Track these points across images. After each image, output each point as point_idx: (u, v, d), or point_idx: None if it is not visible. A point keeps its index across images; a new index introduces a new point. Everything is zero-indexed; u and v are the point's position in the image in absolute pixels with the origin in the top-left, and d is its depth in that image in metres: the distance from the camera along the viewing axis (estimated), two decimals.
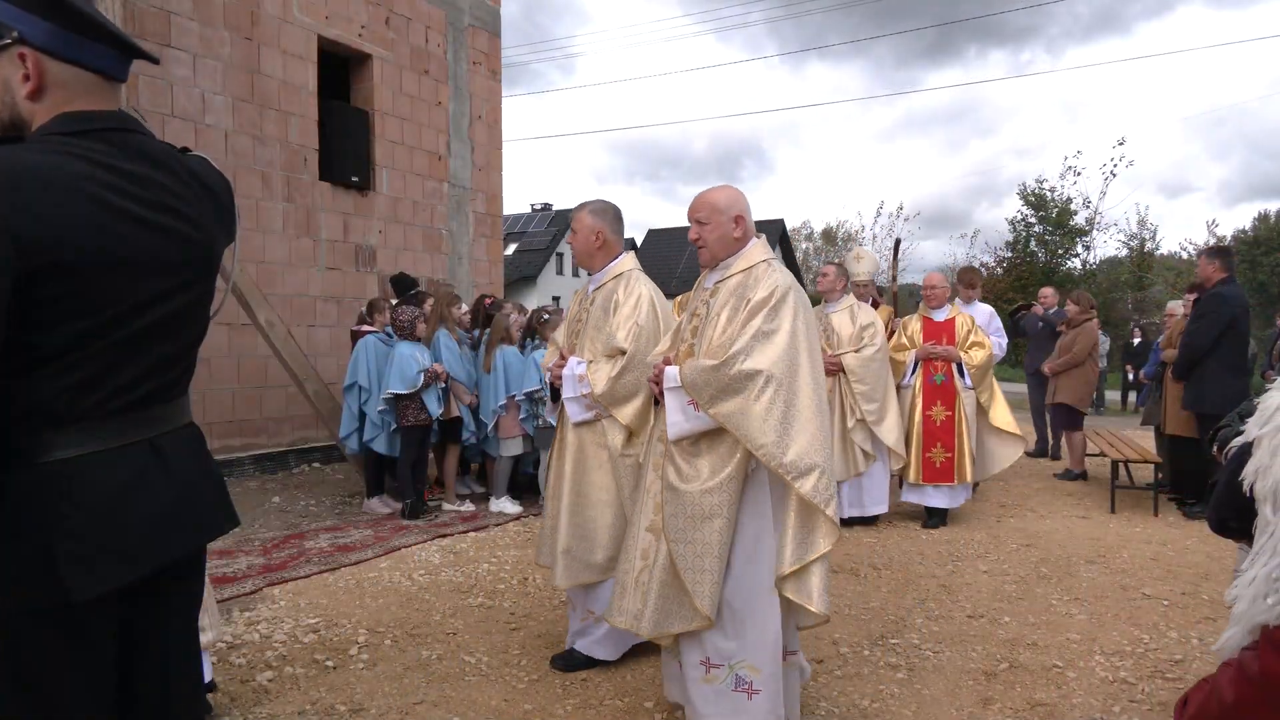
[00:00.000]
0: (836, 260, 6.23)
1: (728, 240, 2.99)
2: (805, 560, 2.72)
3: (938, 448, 6.26)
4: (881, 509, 6.30)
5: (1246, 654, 1.87)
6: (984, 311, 7.71)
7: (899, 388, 6.41)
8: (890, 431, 6.14)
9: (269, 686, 3.41)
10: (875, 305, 7.34)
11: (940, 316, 6.54)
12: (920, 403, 6.33)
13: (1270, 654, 1.79)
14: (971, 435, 6.27)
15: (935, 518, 6.29)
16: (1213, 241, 28.76)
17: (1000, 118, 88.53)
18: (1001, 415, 6.56)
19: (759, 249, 3.00)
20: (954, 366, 6.30)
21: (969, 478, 6.28)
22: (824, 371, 3.05)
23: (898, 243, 8.29)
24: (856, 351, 6.05)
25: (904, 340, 6.56)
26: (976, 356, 6.30)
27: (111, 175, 1.46)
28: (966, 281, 8.11)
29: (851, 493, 6.21)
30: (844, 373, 6.04)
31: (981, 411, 6.52)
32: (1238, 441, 2.05)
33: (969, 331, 6.40)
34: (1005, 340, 7.81)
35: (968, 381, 6.31)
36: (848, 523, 5.92)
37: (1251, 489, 1.89)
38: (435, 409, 6.43)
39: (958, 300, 7.61)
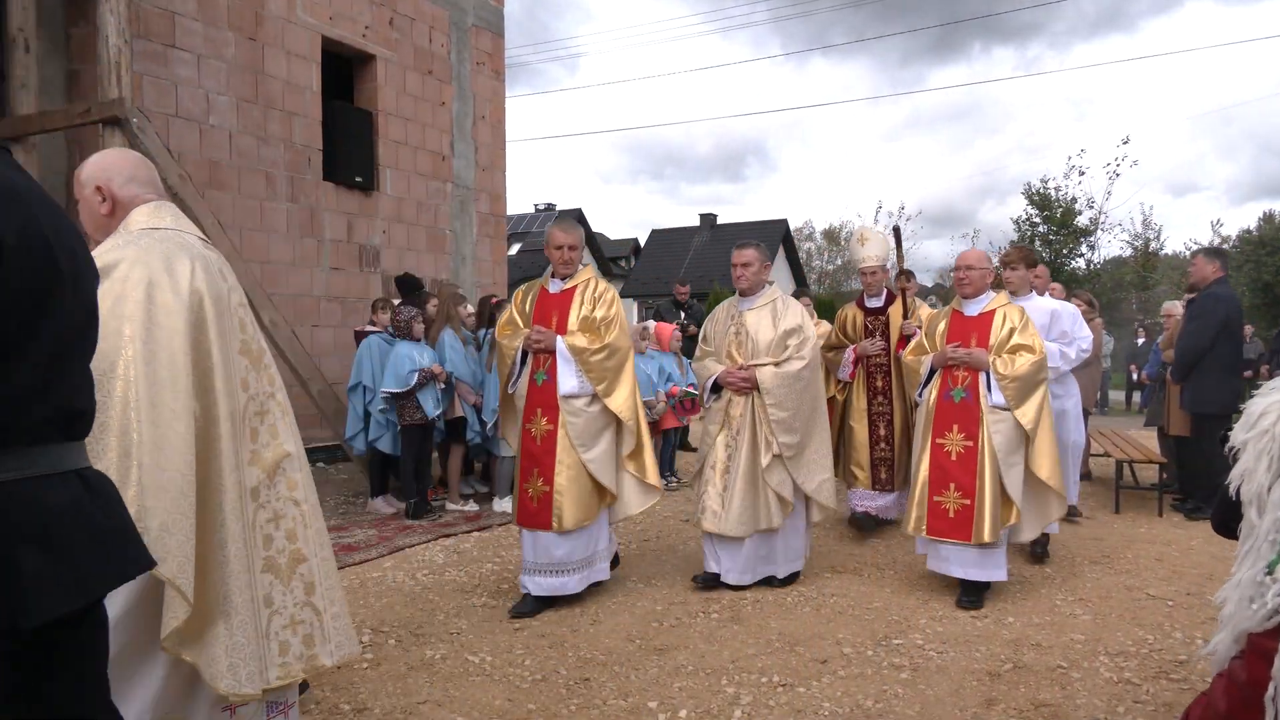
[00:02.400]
0: (755, 242, 4.83)
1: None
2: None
3: (950, 490, 4.50)
4: (795, 567, 4.85)
5: (1235, 663, 1.89)
6: (1059, 310, 5.58)
7: (913, 405, 5.03)
8: (812, 474, 4.67)
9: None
10: (891, 300, 6.07)
11: (974, 309, 4.77)
12: (931, 427, 4.65)
13: (1256, 661, 1.80)
14: (1008, 476, 4.44)
15: (968, 594, 4.44)
16: (1217, 241, 28.71)
17: (1006, 116, 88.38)
18: (1042, 459, 4.53)
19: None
20: (981, 378, 4.54)
21: (991, 536, 4.38)
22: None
23: (897, 230, 6.49)
24: (777, 365, 4.61)
25: (925, 342, 4.94)
26: (1017, 364, 4.49)
27: None
28: (1026, 259, 5.60)
29: (758, 548, 4.69)
30: (757, 391, 4.61)
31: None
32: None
33: (1011, 330, 4.60)
34: (1086, 346, 5.66)
35: (996, 398, 4.47)
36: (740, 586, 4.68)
37: (1238, 492, 1.93)
38: (431, 409, 6.44)
39: (1004, 290, 5.47)
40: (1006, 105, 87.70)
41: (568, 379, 4.33)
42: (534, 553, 4.39)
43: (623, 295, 45.44)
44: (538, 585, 4.37)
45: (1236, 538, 2.23)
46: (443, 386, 6.58)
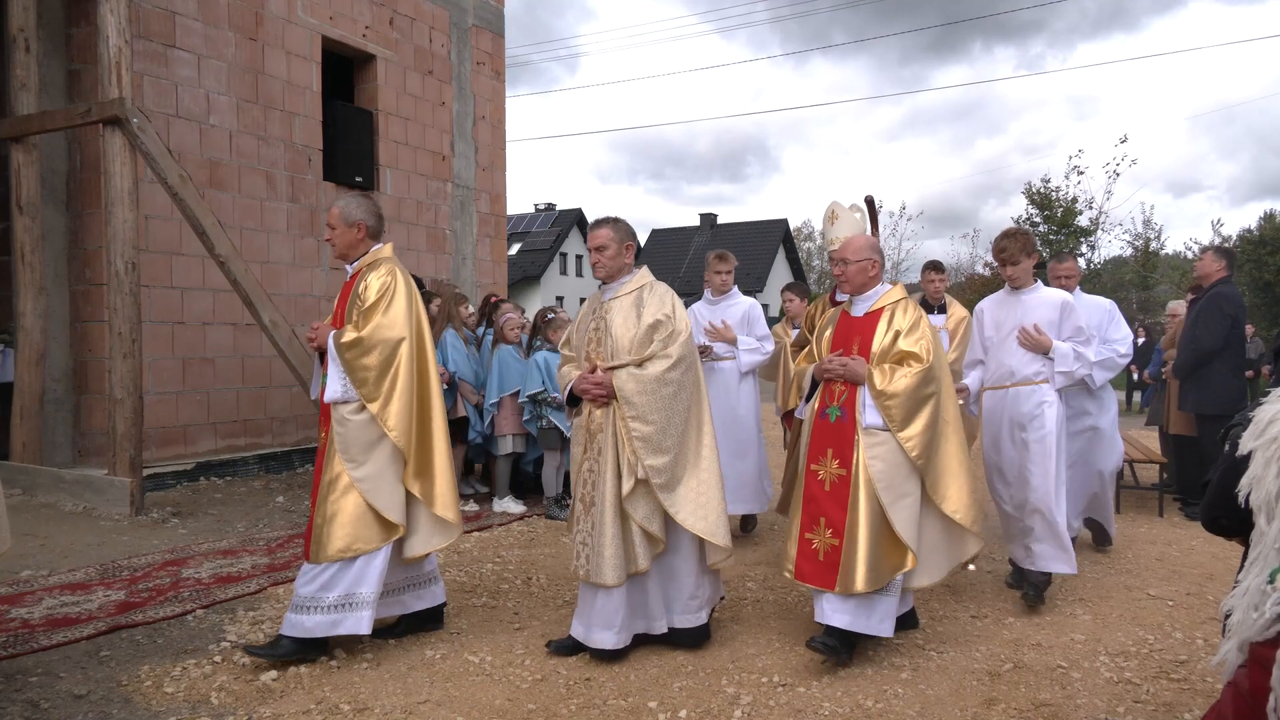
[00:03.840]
0: (612, 219, 3.91)
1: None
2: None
3: (821, 527, 3.71)
4: (692, 620, 3.82)
5: (1241, 672, 1.89)
6: (1068, 302, 4.64)
7: (783, 416, 4.19)
8: (695, 507, 3.67)
9: (273, 686, 3.41)
10: None
11: (861, 309, 3.93)
12: (805, 451, 3.89)
13: (1257, 671, 1.81)
14: (895, 512, 3.61)
15: (830, 636, 3.62)
16: (1218, 240, 28.70)
17: (1007, 115, 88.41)
18: (947, 488, 3.71)
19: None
20: (858, 394, 3.74)
21: (866, 585, 3.54)
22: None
23: (870, 200, 5.17)
24: (639, 367, 3.68)
25: (814, 349, 4.12)
26: (896, 376, 3.65)
27: None
28: (1025, 247, 4.61)
29: (630, 598, 3.71)
30: (616, 400, 3.70)
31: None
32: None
33: (897, 335, 3.75)
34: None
35: (870, 418, 3.67)
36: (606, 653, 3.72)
37: (1247, 500, 1.93)
38: None
39: (898, 284, 4.27)
40: (1008, 104, 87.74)
41: (333, 381, 3.69)
42: (301, 581, 3.67)
43: None
44: (290, 623, 3.61)
45: (1227, 535, 2.23)
46: (445, 387, 6.58)
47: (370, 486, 3.62)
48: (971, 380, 4.91)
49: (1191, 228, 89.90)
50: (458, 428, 6.85)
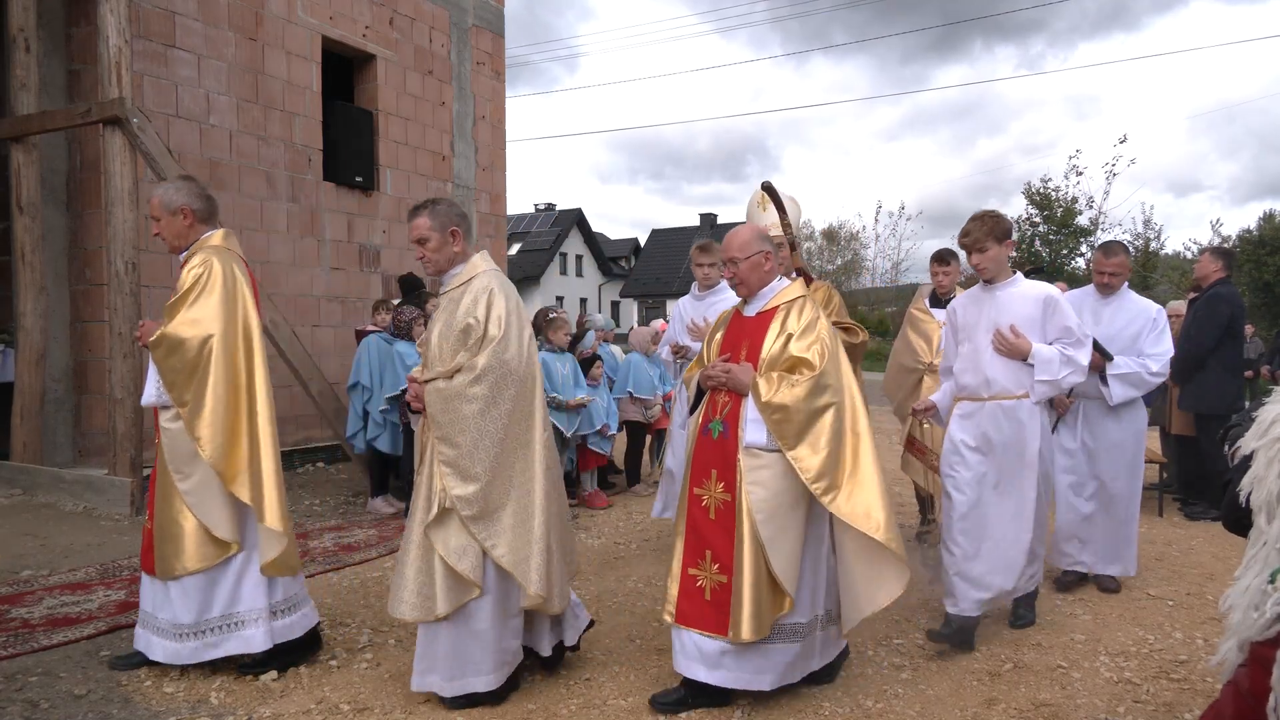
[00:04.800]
0: (430, 202, 3.42)
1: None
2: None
3: (706, 562, 3.19)
4: (476, 684, 3.21)
5: (1241, 671, 1.90)
6: (1051, 297, 3.94)
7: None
8: (516, 541, 3.14)
9: (273, 686, 3.41)
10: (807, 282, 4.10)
11: (753, 309, 3.43)
12: (688, 472, 3.34)
13: (1258, 670, 1.81)
14: (774, 550, 3.09)
15: (692, 697, 3.22)
16: (1217, 241, 28.69)
17: (1008, 115, 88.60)
18: (868, 506, 3.11)
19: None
20: (743, 406, 3.22)
21: (753, 633, 3.07)
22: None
23: (766, 186, 4.46)
24: (448, 379, 3.17)
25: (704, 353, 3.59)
26: (780, 389, 3.14)
27: None
28: (995, 232, 3.96)
29: (428, 644, 3.22)
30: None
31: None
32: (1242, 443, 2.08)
33: (789, 338, 3.25)
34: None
35: (752, 435, 3.15)
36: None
37: (1248, 499, 1.95)
38: None
39: (798, 280, 3.65)
40: (1008, 103, 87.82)
41: (149, 384, 3.42)
42: (146, 599, 3.48)
43: (622, 295, 45.59)
44: (151, 644, 3.42)
45: (1246, 534, 2.24)
46: None
47: (195, 500, 3.31)
48: (941, 395, 4.19)
49: (1193, 227, 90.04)
50: None
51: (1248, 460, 2.04)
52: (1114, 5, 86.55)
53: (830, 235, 44.52)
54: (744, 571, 3.10)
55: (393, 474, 7.03)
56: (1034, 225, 26.95)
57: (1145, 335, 4.63)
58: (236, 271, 3.49)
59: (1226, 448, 2.55)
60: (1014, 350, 3.87)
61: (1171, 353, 4.61)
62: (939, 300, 5.75)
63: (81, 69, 7.29)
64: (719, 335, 3.49)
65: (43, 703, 3.23)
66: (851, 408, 3.23)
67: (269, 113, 8.51)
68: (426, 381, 3.22)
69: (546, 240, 43.21)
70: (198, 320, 3.33)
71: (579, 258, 45.60)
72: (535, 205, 46.22)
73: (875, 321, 34.04)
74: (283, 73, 8.64)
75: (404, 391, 6.30)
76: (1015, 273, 4.06)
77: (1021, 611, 4.19)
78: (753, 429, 3.16)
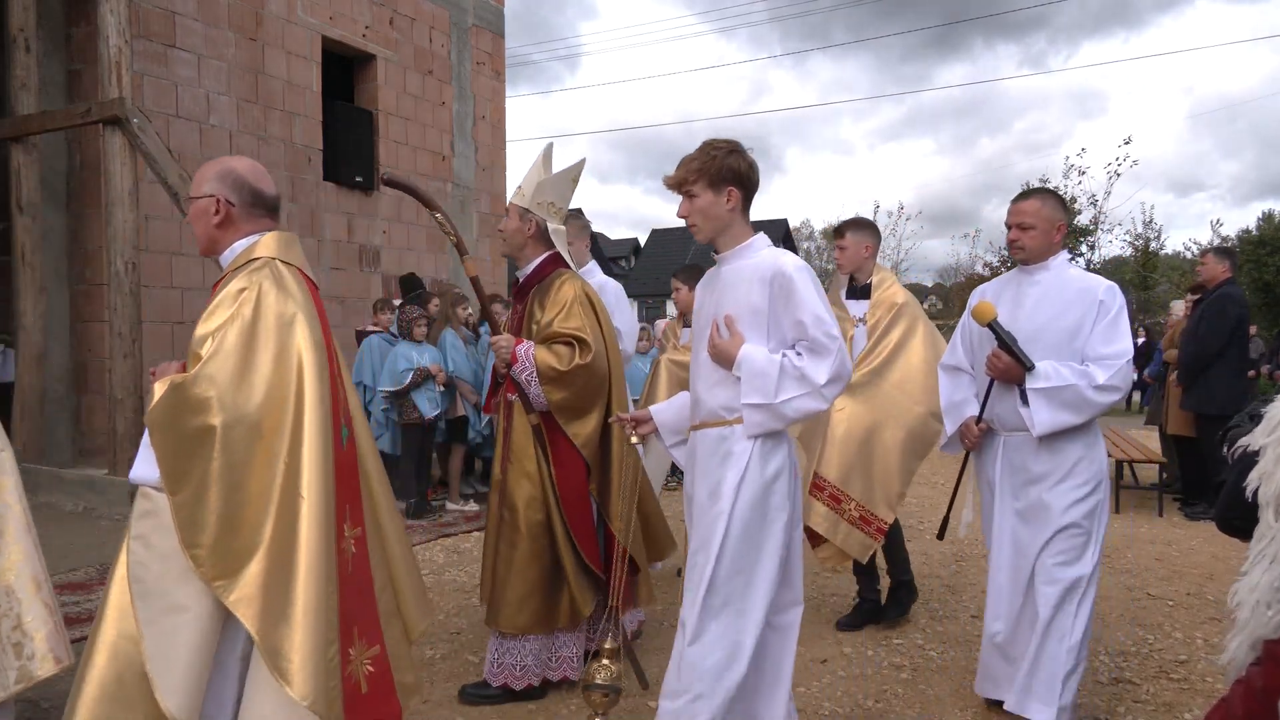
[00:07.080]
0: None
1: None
2: None
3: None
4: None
5: (1253, 669, 1.89)
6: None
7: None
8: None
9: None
10: (542, 275, 3.60)
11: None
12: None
13: (1272, 667, 1.81)
14: (144, 637, 1.96)
15: None
16: (1217, 241, 28.70)
17: (1010, 113, 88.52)
18: (281, 639, 1.98)
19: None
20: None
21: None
22: None
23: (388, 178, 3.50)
24: None
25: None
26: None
27: None
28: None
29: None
30: None
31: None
32: (1244, 441, 2.08)
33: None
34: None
35: (140, 468, 2.02)
36: None
37: (1254, 495, 1.95)
38: (427, 409, 6.46)
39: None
40: (1010, 101, 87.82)
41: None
42: None
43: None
44: None
45: (1241, 536, 2.24)
46: (442, 388, 6.59)
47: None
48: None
49: (1194, 227, 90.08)
50: (457, 428, 6.86)
51: (1246, 459, 2.04)
52: (1116, 2, 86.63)
53: (830, 235, 44.77)
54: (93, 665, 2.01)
55: (392, 474, 7.04)
56: None
57: (1090, 328, 2.97)
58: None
59: (1225, 448, 2.56)
60: (721, 354, 2.55)
61: (1131, 353, 2.97)
62: (860, 290, 4.14)
63: (81, 69, 7.29)
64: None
65: (43, 703, 3.23)
66: (231, 441, 1.98)
67: (269, 113, 8.51)
68: None
69: None
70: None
71: None
72: None
73: None
74: (283, 73, 8.64)
75: (405, 389, 6.35)
76: (753, 236, 2.63)
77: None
78: (141, 459, 2.04)
